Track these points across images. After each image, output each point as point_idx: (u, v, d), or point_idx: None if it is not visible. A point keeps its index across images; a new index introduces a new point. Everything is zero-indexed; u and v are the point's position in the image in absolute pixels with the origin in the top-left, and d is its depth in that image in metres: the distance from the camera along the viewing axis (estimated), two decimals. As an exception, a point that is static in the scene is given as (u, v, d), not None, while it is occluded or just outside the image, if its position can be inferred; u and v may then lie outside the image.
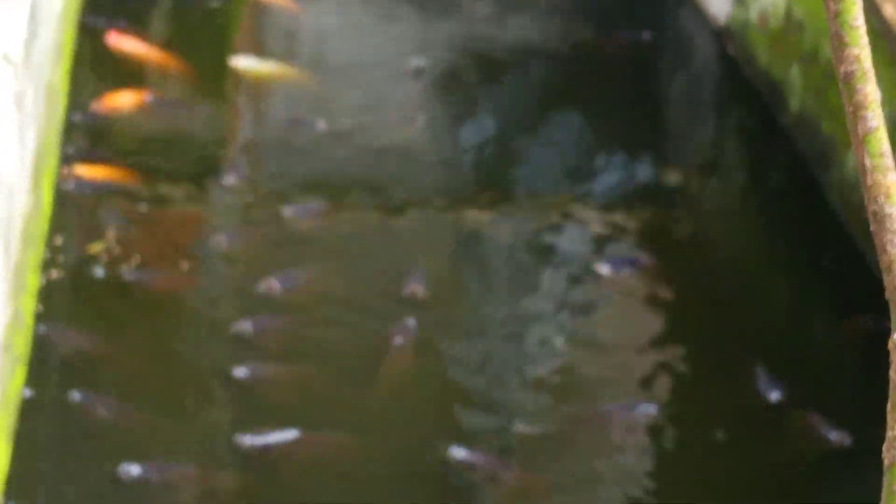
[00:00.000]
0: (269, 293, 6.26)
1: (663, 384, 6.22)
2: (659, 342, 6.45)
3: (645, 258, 6.89)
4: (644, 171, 7.78)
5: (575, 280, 6.81)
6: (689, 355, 6.35)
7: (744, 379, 6.13)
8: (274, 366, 5.96)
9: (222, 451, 5.56)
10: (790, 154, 7.85)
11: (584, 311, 6.66)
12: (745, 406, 6.03)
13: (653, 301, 6.70)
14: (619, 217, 7.27)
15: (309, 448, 5.58)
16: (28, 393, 5.62)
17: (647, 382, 6.19)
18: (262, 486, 5.46)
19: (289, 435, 5.57)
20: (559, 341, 6.42)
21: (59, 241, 6.53)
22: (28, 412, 5.58)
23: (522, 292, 6.71)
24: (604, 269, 6.79)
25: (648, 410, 5.91)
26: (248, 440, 5.52)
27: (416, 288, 6.32)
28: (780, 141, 7.97)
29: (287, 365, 6.03)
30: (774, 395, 6.00)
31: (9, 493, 5.17)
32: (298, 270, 6.50)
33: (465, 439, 5.65)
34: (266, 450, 5.53)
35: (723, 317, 6.61)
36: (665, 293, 6.73)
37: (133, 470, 5.30)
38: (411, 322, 6.08)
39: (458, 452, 5.53)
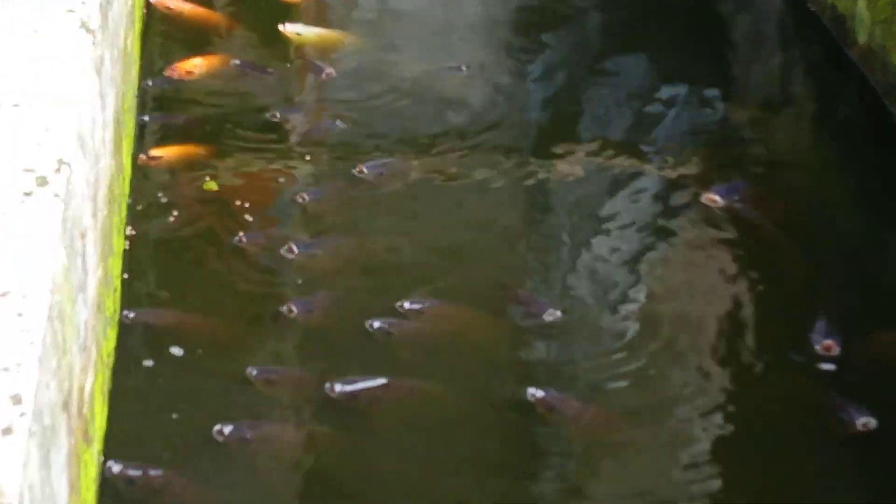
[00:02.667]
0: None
1: (737, 320, 6.25)
2: (733, 280, 6.48)
3: (750, 184, 6.97)
4: (712, 110, 7.78)
5: (648, 223, 6.83)
6: (763, 289, 6.37)
7: (812, 316, 6.16)
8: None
9: (312, 400, 5.67)
10: (859, 87, 7.83)
11: (659, 252, 6.68)
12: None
13: (727, 241, 6.72)
14: (689, 156, 7.29)
15: (396, 394, 5.67)
16: (118, 354, 5.73)
17: (721, 320, 6.23)
18: (352, 433, 5.54)
19: (377, 382, 5.71)
20: (636, 284, 6.45)
21: (140, 204, 6.66)
22: (120, 373, 5.69)
23: (597, 236, 6.75)
24: (716, 197, 6.86)
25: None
26: (339, 387, 5.65)
27: None
28: (848, 75, 7.96)
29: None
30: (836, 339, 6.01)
31: (107, 452, 5.28)
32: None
33: (544, 382, 5.76)
34: (355, 396, 5.67)
35: (798, 251, 6.62)
36: (738, 230, 6.75)
37: (226, 429, 5.39)
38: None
39: (537, 393, 5.65)
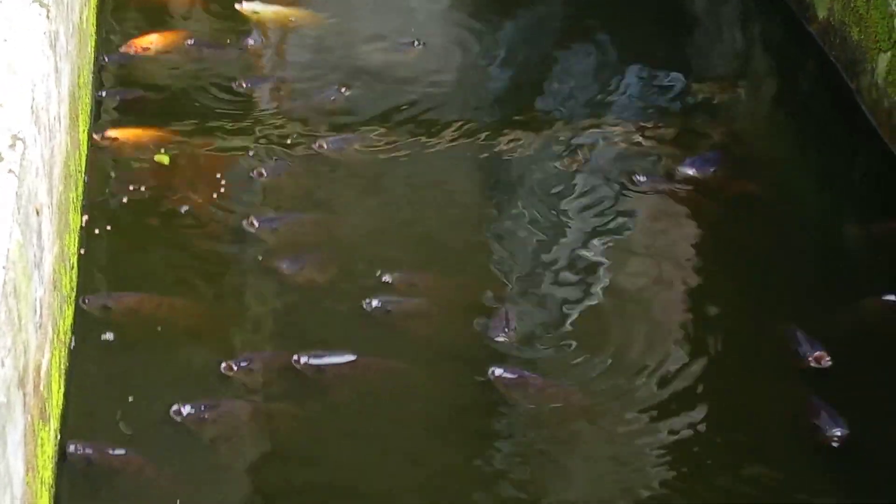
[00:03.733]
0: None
1: (703, 290, 6.25)
2: (693, 249, 6.49)
3: (723, 155, 6.99)
4: (673, 86, 7.76)
5: (614, 193, 6.82)
6: (723, 259, 6.40)
7: (776, 289, 6.19)
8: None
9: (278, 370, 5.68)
10: (819, 62, 7.84)
11: (624, 221, 6.68)
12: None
13: (688, 213, 6.72)
14: (651, 132, 7.28)
15: (362, 371, 5.65)
16: (74, 333, 5.68)
17: (683, 285, 6.25)
18: (310, 410, 5.52)
19: (344, 357, 5.68)
20: (599, 257, 6.43)
21: (95, 180, 6.59)
22: (77, 351, 5.63)
23: (558, 207, 6.73)
24: (689, 170, 6.87)
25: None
26: (304, 359, 5.63)
27: None
28: (808, 50, 7.96)
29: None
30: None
31: (65, 431, 5.22)
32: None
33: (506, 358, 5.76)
34: (321, 370, 5.64)
35: (757, 223, 6.62)
36: (698, 202, 6.75)
37: (184, 409, 5.35)
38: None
39: (497, 371, 5.65)
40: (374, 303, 5.94)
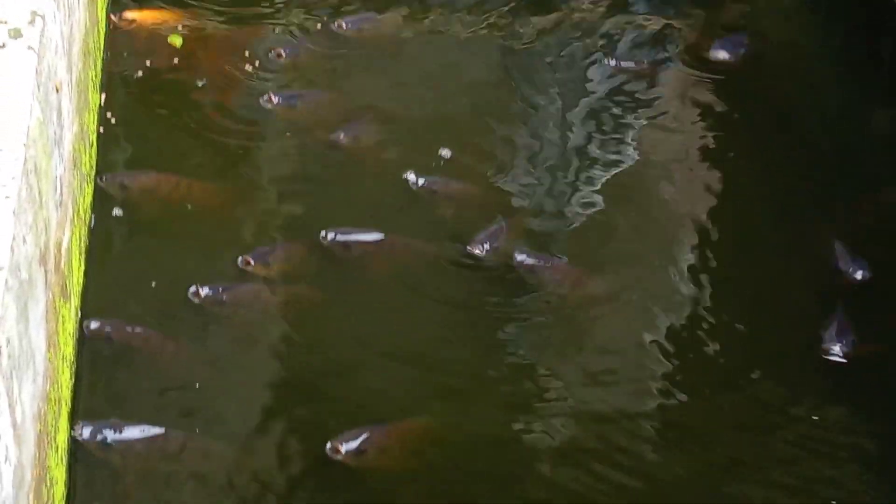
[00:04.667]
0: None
1: (716, 185, 6.24)
2: (714, 141, 6.46)
3: (751, 40, 6.94)
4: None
5: (633, 79, 6.79)
6: (740, 141, 6.38)
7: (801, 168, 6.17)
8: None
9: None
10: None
11: (632, 104, 6.65)
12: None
13: (702, 100, 6.69)
14: (673, 19, 7.22)
15: (389, 251, 5.68)
16: (94, 212, 5.69)
17: (700, 183, 6.23)
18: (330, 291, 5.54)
19: (372, 236, 5.69)
20: (618, 143, 6.41)
21: (114, 58, 6.56)
22: (96, 231, 5.64)
23: (581, 89, 6.70)
24: (720, 53, 6.82)
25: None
26: (331, 235, 5.62)
27: None
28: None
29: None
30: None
31: (85, 308, 5.25)
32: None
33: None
34: (347, 246, 5.64)
35: (780, 112, 6.57)
36: (716, 90, 6.71)
37: (202, 291, 5.35)
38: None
39: (520, 256, 5.63)
40: (420, 180, 5.93)
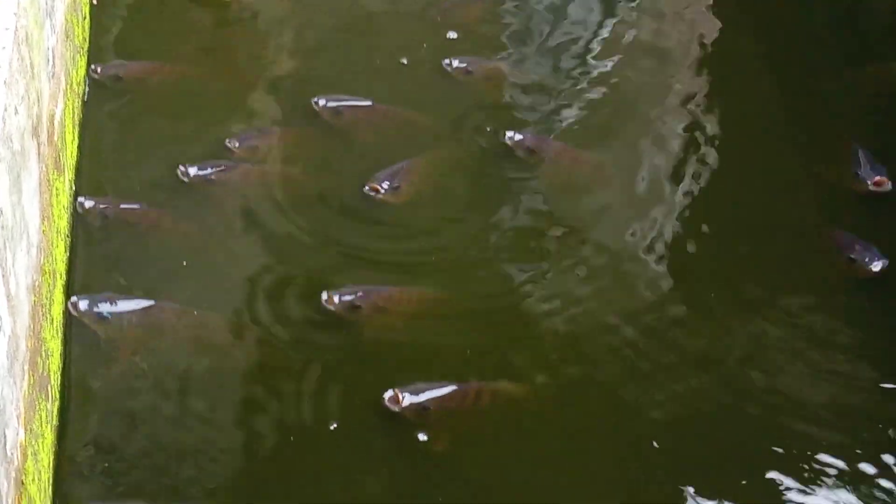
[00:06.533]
0: None
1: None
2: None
3: None
4: None
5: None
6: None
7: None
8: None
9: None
10: None
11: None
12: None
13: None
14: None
15: (379, 117, 5.66)
16: (89, 84, 5.64)
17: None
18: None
19: (362, 102, 5.69)
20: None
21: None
22: (90, 104, 5.60)
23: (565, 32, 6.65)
24: None
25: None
26: (323, 102, 5.64)
27: None
28: None
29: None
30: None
31: (79, 183, 5.22)
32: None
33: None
34: (338, 112, 5.64)
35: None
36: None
37: (191, 170, 5.32)
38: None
39: (516, 136, 5.62)
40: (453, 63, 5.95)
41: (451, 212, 5.37)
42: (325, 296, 4.83)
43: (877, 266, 5.13)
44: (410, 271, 5.08)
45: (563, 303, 5.03)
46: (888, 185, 5.43)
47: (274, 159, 5.54)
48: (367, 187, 5.29)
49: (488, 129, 5.70)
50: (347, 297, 4.84)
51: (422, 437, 4.48)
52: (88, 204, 5.11)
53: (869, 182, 5.45)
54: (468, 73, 5.96)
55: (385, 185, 5.29)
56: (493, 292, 5.06)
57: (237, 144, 5.50)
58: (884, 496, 4.47)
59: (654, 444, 4.53)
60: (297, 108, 5.76)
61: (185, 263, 5.01)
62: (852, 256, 5.15)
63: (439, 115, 5.78)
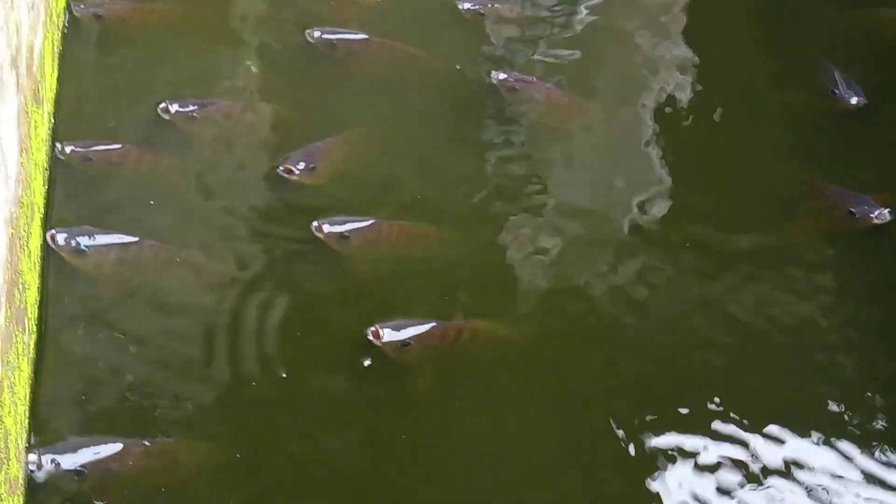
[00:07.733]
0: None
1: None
2: None
3: None
4: None
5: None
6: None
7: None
8: None
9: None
10: None
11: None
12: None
13: None
14: None
15: (374, 51, 5.66)
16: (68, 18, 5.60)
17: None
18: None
19: (357, 35, 5.70)
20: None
21: None
22: (69, 36, 5.55)
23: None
24: None
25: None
26: (318, 34, 5.63)
27: None
28: None
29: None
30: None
31: (58, 116, 5.18)
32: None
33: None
34: (333, 45, 5.64)
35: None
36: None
37: (172, 107, 5.26)
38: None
39: (500, 75, 5.62)
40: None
41: (436, 155, 5.37)
42: (315, 224, 4.82)
43: (883, 217, 5.07)
44: (399, 213, 5.08)
45: (546, 244, 5.04)
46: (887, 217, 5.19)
47: (259, 97, 5.51)
48: (280, 168, 5.11)
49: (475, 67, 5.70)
50: (337, 228, 4.82)
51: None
52: (69, 149, 5.01)
53: (848, 101, 5.47)
54: (480, 15, 5.97)
55: (300, 165, 5.14)
56: (480, 232, 5.07)
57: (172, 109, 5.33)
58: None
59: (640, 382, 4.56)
60: (288, 46, 5.74)
61: (152, 203, 4.97)
62: (852, 210, 5.10)
63: (437, 51, 5.77)
